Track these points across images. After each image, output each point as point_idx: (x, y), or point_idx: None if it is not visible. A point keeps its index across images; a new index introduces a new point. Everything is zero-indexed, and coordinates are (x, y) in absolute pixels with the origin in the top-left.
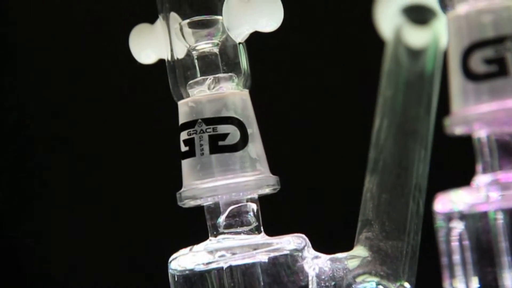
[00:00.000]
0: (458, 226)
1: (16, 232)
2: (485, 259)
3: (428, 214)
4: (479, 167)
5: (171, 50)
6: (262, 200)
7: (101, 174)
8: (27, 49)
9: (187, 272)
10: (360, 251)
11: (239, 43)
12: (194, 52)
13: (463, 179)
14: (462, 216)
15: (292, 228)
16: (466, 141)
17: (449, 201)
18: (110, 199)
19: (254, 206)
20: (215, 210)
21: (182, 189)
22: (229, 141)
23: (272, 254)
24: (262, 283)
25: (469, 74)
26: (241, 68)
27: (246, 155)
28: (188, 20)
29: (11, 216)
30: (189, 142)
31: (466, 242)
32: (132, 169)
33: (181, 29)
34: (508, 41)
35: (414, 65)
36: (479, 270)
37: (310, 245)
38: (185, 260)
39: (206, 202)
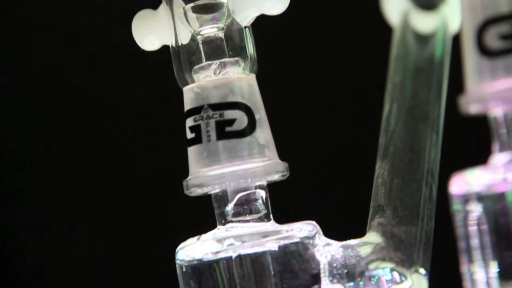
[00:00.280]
0: (475, 209)
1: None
2: (504, 243)
3: (440, 199)
4: (495, 146)
5: (175, 36)
6: (271, 187)
7: (106, 163)
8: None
9: (195, 262)
10: (372, 238)
11: (245, 27)
12: (199, 37)
13: (473, 162)
14: (480, 198)
15: (302, 215)
16: (475, 122)
17: (465, 183)
18: (113, 190)
19: (263, 193)
20: (223, 198)
21: (189, 177)
22: (236, 126)
23: (283, 242)
24: (272, 272)
25: (484, 51)
26: (248, 53)
27: (254, 141)
28: (192, 4)
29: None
30: (195, 128)
31: (485, 226)
32: (137, 159)
33: (185, 14)
34: None
35: (423, 50)
36: (498, 254)
37: (321, 232)
38: (193, 249)
39: (214, 190)
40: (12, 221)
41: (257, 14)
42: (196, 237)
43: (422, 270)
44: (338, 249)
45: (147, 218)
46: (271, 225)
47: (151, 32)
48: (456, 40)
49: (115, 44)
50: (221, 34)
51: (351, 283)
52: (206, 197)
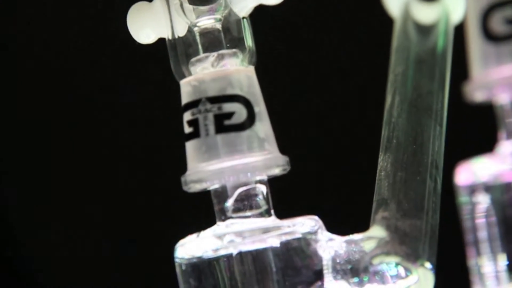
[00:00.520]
0: (483, 201)
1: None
2: None
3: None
4: (502, 134)
5: (172, 28)
6: (272, 182)
7: (107, 159)
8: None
9: (194, 260)
10: (376, 232)
11: (243, 18)
12: (195, 29)
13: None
14: (487, 188)
15: (304, 210)
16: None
17: (472, 173)
18: (113, 190)
19: (263, 188)
20: (223, 193)
21: (187, 173)
22: (235, 120)
23: (284, 238)
24: (274, 269)
25: (489, 36)
26: (246, 44)
27: (253, 134)
28: None
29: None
30: (193, 122)
31: (493, 218)
32: (136, 155)
33: (181, 5)
34: None
35: (425, 41)
36: (506, 246)
37: (323, 227)
38: (192, 246)
39: (213, 185)
40: (12, 221)
41: (255, 4)
42: (195, 234)
43: (428, 264)
44: (341, 244)
45: (147, 217)
46: (272, 220)
47: (146, 25)
48: (459, 29)
49: (111, 37)
50: (218, 26)
51: (355, 279)
52: (205, 193)
